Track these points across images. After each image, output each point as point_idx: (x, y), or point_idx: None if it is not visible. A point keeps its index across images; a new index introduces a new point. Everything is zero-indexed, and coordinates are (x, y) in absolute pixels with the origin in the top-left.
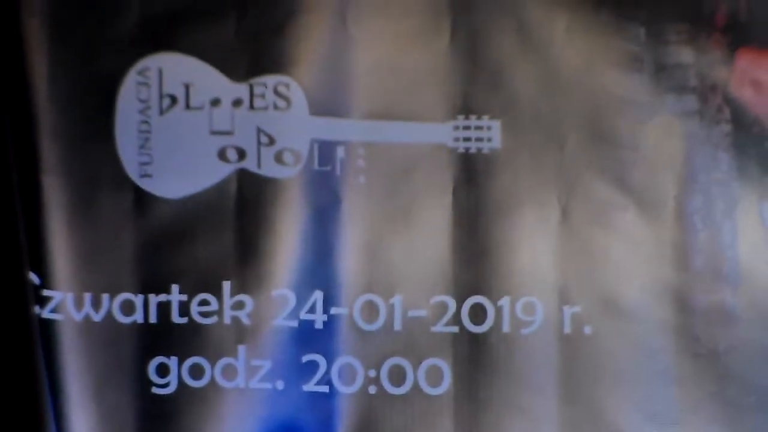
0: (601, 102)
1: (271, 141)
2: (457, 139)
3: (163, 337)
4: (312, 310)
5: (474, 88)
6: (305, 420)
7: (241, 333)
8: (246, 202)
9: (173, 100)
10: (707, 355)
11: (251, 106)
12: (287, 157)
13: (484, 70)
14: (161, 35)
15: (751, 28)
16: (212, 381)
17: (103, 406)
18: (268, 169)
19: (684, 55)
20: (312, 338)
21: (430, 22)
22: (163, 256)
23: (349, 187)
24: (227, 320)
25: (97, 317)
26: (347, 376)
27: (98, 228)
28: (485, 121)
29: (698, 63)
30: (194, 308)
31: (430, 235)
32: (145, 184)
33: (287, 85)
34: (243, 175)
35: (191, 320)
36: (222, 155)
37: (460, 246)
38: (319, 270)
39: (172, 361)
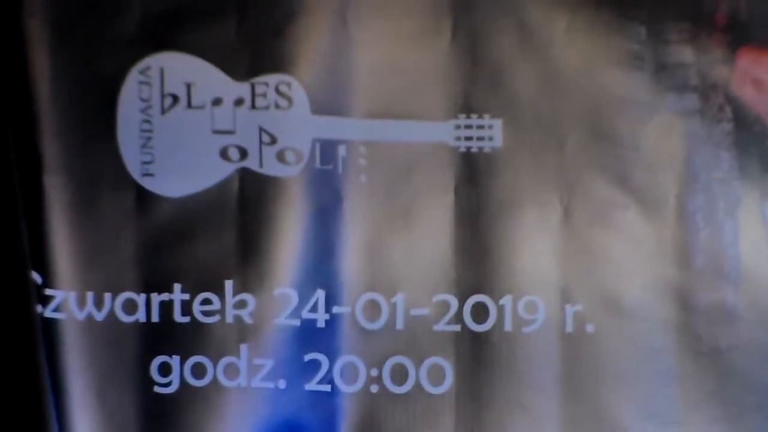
0: (602, 101)
1: (273, 140)
2: (458, 138)
3: (166, 336)
4: (314, 309)
5: (475, 88)
6: (307, 419)
7: (243, 332)
8: (248, 201)
9: (175, 99)
10: (709, 354)
11: (253, 106)
12: (289, 156)
13: (485, 69)
14: (163, 34)
15: (752, 27)
16: (214, 380)
17: (106, 405)
18: (270, 168)
19: (685, 54)
20: (314, 337)
21: (430, 22)
22: (165, 256)
23: (351, 186)
24: (229, 319)
25: (99, 316)
26: (349, 375)
27: (100, 227)
28: (486, 120)
29: (699, 62)
30: (196, 307)
31: (431, 234)
32: (146, 184)
33: (289, 85)
34: (245, 174)
35: (193, 319)
36: (224, 154)
37: (461, 245)
38: (321, 269)
39: (175, 360)
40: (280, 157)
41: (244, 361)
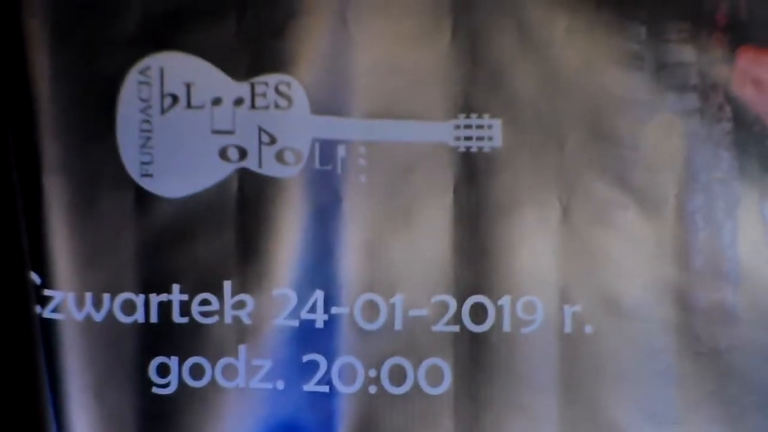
0: (602, 101)
1: (272, 140)
2: (457, 138)
3: (164, 337)
4: (313, 309)
5: (475, 87)
6: (305, 420)
7: (241, 333)
8: (247, 202)
9: (174, 99)
10: (708, 354)
11: (252, 106)
12: (288, 156)
13: (485, 69)
14: (162, 34)
15: (752, 26)
16: (213, 381)
17: (104, 405)
18: (269, 168)
19: (685, 53)
20: (312, 338)
21: (430, 22)
22: (163, 256)
23: (350, 186)
24: (228, 320)
25: (98, 317)
26: (348, 375)
27: (99, 227)
28: (486, 119)
29: (699, 61)
30: (195, 308)
31: (430, 234)
32: (146, 184)
33: (288, 84)
34: (244, 174)
35: (192, 320)
36: (223, 154)
37: (460, 245)
38: (320, 269)
39: (173, 361)
40: (280, 157)
41: (243, 361)
